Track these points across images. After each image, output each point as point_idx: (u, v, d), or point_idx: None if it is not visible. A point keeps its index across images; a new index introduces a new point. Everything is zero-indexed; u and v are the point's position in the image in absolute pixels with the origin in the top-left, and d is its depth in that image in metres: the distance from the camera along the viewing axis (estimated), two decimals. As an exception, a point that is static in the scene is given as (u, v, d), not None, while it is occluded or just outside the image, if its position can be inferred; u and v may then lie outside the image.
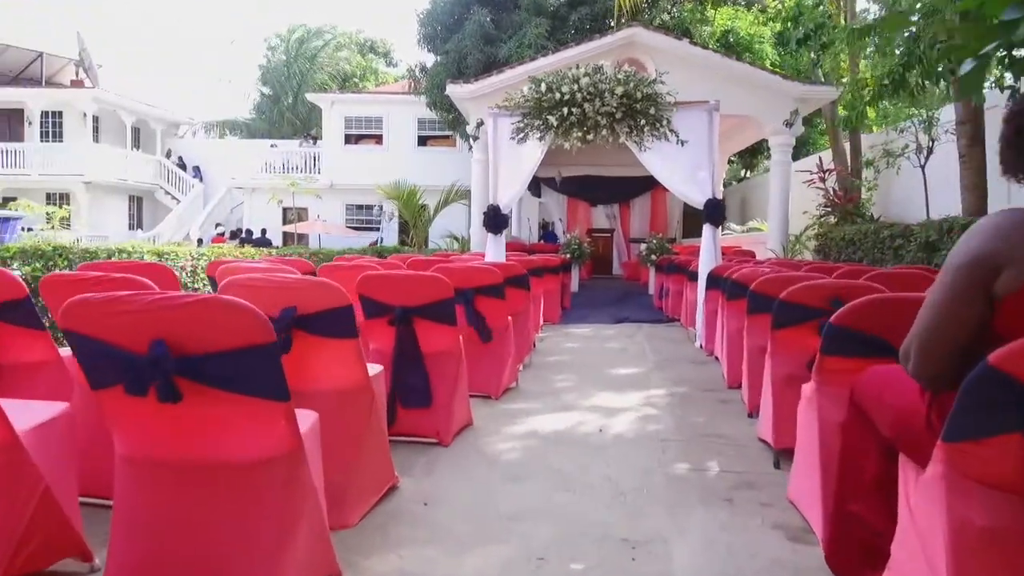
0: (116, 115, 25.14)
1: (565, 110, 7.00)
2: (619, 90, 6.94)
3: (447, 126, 19.29)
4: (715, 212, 7.22)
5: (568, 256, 11.92)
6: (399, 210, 12.63)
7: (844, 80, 9.16)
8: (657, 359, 6.32)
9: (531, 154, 7.49)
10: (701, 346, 6.90)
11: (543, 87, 7.10)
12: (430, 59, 19.53)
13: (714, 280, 6.30)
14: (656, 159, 7.36)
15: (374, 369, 2.86)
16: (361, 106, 24.15)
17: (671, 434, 3.81)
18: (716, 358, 6.12)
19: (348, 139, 24.10)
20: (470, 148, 12.98)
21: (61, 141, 24.82)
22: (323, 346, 2.55)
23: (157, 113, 26.85)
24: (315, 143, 25.67)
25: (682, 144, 7.16)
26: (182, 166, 27.02)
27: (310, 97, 24.88)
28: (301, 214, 24.74)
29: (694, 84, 9.72)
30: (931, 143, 8.87)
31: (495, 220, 7.43)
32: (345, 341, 2.55)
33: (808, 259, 11.45)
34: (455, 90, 11.98)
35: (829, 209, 11.12)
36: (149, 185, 26.14)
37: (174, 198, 26.29)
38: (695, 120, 7.29)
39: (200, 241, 22.17)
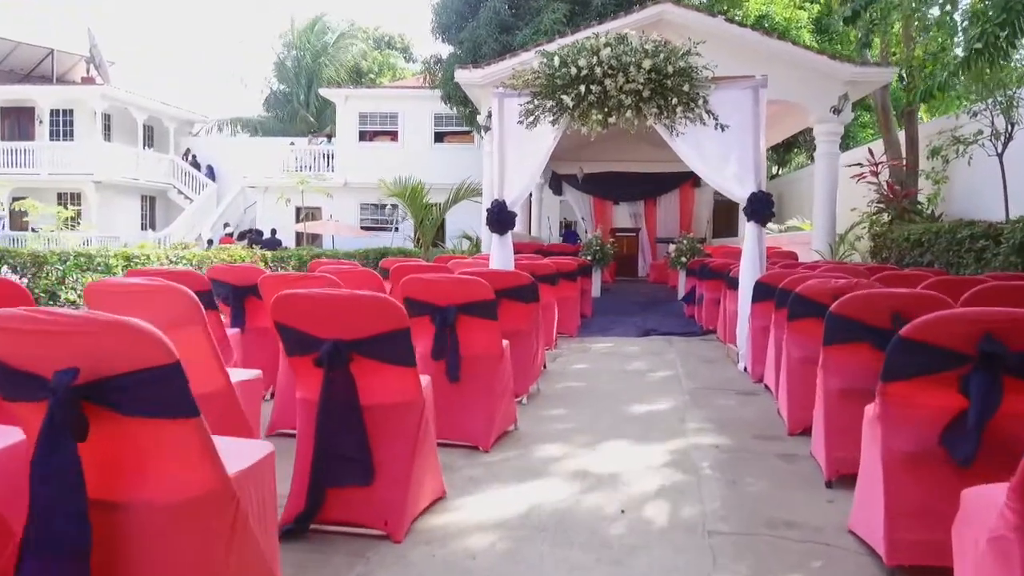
0: (127, 113, 24.55)
1: (583, 88, 5.88)
2: (647, 63, 5.81)
3: (464, 121, 18.33)
4: (761, 208, 6.06)
5: (589, 258, 10.79)
6: (407, 209, 11.70)
7: (896, 56, 7.87)
8: (693, 387, 5.18)
9: (542, 141, 6.39)
10: (746, 369, 5.75)
11: (556, 61, 6.00)
12: (447, 51, 18.58)
13: (764, 290, 5.14)
14: (690, 146, 6.22)
15: (253, 453, 1.80)
16: (376, 102, 23.32)
17: (721, 520, 2.69)
18: (767, 387, 4.98)
19: (363, 136, 23.30)
20: (490, 141, 11.90)
21: (72, 140, 24.26)
22: (137, 431, 1.49)
23: (170, 111, 26.22)
24: (329, 141, 24.85)
25: (722, 129, 6.01)
26: (196, 165, 26.36)
27: (323, 92, 24.04)
28: (315, 214, 23.91)
29: (731, 67, 8.51)
30: (1010, 127, 7.60)
31: (500, 218, 6.34)
32: (173, 422, 1.48)
33: (858, 261, 10.22)
34: (464, 76, 10.91)
35: (883, 206, 9.85)
36: (162, 184, 25.55)
37: (187, 198, 25.66)
38: (737, 99, 6.15)
39: (210, 242, 21.44)
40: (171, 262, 8.34)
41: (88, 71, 25.69)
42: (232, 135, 29.88)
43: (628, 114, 6.00)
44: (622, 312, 10.09)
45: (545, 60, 6.12)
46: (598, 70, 5.89)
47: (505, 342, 3.78)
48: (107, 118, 24.50)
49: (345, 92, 23.52)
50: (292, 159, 23.84)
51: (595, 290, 11.32)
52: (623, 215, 19.06)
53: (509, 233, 6.54)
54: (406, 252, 12.01)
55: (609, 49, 5.90)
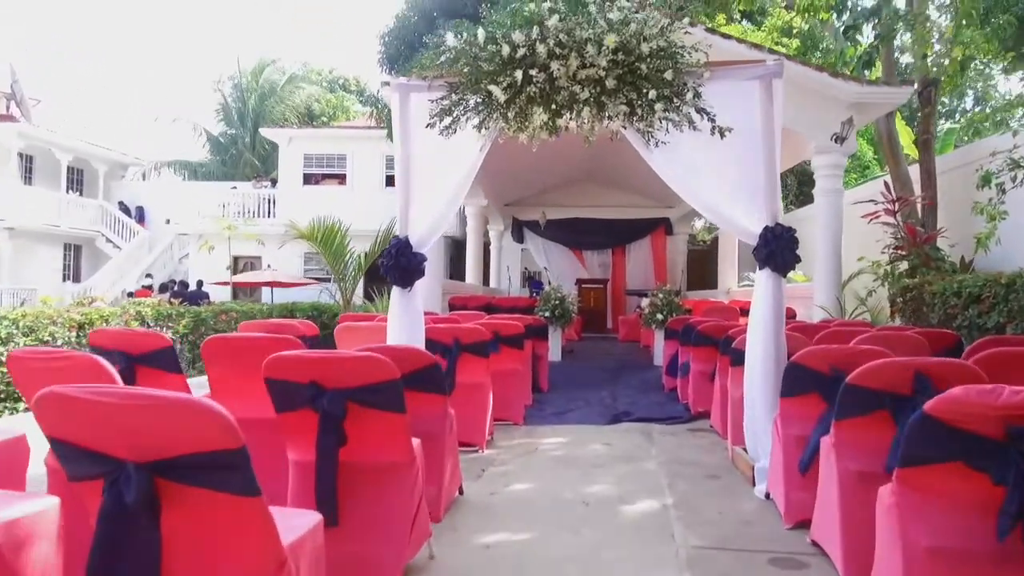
0: (50, 154, 22.38)
1: (519, 74, 3.96)
2: (611, 40, 3.91)
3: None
4: (781, 250, 4.14)
5: (546, 317, 8.80)
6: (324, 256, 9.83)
7: (926, 60, 6.29)
8: (695, 546, 3.11)
9: (464, 154, 4.45)
10: (768, 496, 3.73)
11: (480, 37, 4.09)
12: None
13: (806, 379, 3.15)
14: (675, 163, 4.33)
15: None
16: (322, 142, 21.54)
17: None
18: (816, 545, 2.96)
19: (308, 179, 21.46)
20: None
21: (-12, 183, 21.95)
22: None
23: (100, 152, 24.10)
24: (274, 185, 22.87)
25: (721, 134, 4.09)
26: (125, 210, 24.16)
27: (265, 133, 22.18)
28: (254, 263, 21.74)
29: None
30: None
31: (399, 264, 4.31)
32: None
33: (868, 320, 8.39)
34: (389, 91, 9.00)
35: (902, 252, 8.07)
36: (89, 232, 23.24)
37: (116, 246, 23.38)
38: (741, 95, 4.30)
39: (131, 294, 19.12)
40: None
41: (8, 108, 23.54)
42: (171, 179, 27.69)
43: (585, 113, 4.06)
44: (586, 383, 8.08)
45: (467, 35, 4.23)
46: (541, 49, 3.95)
47: (309, 524, 1.71)
48: (28, 159, 22.37)
49: (289, 132, 21.69)
50: (231, 205, 21.74)
51: (554, 354, 9.31)
52: (590, 265, 17.26)
53: (417, 287, 4.52)
54: (320, 308, 9.91)
55: (557, 19, 4.01)
